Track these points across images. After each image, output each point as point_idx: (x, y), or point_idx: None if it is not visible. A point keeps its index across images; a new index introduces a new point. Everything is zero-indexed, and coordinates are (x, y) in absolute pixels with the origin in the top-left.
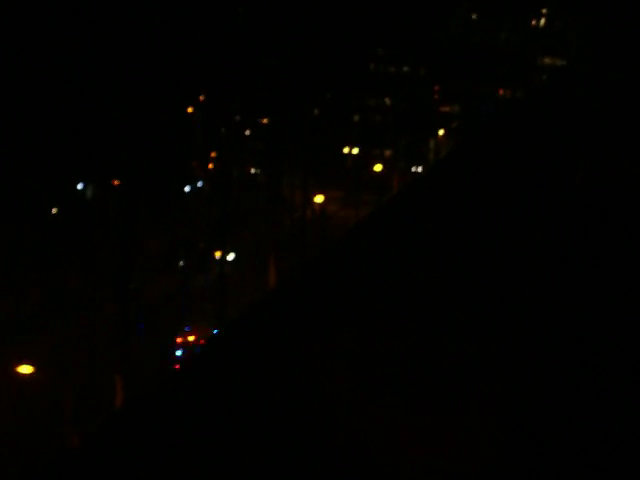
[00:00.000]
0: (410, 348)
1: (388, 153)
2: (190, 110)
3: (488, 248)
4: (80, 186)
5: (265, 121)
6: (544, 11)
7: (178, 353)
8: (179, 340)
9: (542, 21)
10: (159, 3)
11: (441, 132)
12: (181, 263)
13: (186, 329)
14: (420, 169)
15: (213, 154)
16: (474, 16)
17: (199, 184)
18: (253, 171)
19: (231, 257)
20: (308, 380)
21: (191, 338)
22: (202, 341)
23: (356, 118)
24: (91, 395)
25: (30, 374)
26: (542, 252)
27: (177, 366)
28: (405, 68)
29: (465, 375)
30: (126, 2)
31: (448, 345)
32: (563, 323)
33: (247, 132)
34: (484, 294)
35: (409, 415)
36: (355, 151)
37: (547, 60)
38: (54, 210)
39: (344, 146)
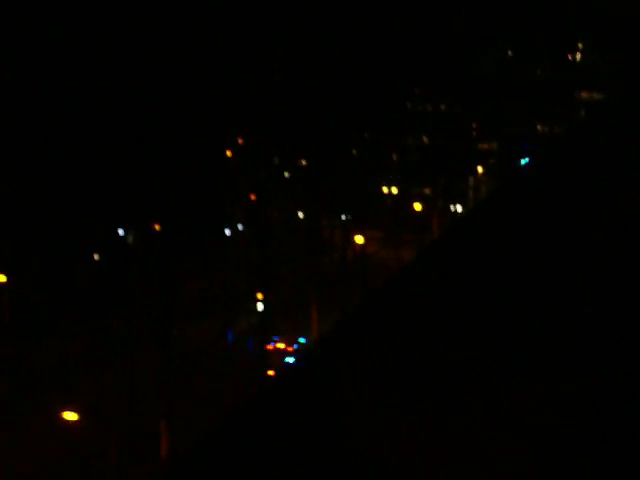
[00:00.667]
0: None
1: (427, 191)
2: (229, 154)
3: (532, 296)
4: (121, 232)
5: (304, 162)
6: (580, 45)
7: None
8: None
9: (578, 56)
10: (198, 47)
11: (480, 169)
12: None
13: (275, 338)
14: (459, 208)
15: (253, 197)
16: (510, 52)
17: (239, 227)
18: (292, 213)
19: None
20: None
21: (281, 346)
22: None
23: (394, 157)
24: (135, 441)
25: (75, 420)
26: (586, 299)
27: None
28: (442, 106)
29: (465, 382)
30: (164, 46)
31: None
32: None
33: (286, 174)
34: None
35: (416, 421)
36: (394, 190)
37: (584, 94)
38: (96, 256)
39: (383, 185)
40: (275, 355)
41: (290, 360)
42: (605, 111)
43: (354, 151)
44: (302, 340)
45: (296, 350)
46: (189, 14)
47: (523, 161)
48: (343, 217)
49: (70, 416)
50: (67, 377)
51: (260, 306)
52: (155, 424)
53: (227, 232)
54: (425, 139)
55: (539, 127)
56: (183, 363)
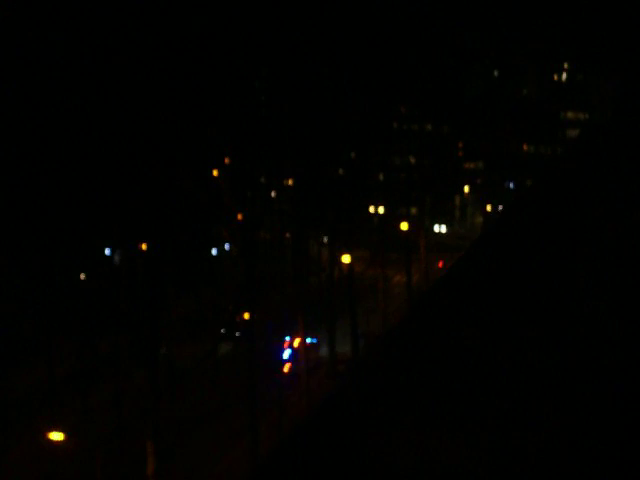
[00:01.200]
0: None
1: (414, 211)
2: (215, 173)
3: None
4: (107, 251)
5: (290, 182)
6: (565, 66)
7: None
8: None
9: (564, 76)
10: (185, 67)
11: (466, 189)
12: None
13: (286, 339)
14: (444, 228)
15: (239, 216)
16: (495, 72)
17: (226, 247)
18: (279, 232)
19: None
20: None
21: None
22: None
23: (381, 177)
24: (121, 462)
25: (61, 441)
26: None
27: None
28: (428, 126)
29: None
30: (151, 66)
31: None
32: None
33: (273, 194)
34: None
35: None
36: (381, 210)
37: (570, 114)
38: (82, 276)
39: (369, 205)
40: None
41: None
42: (597, 133)
43: (340, 171)
44: (309, 340)
45: (310, 345)
46: (176, 35)
47: (507, 183)
48: (328, 237)
49: (56, 436)
50: (53, 397)
51: (237, 333)
52: (141, 445)
53: (214, 252)
54: (411, 159)
55: (525, 147)
56: (170, 383)
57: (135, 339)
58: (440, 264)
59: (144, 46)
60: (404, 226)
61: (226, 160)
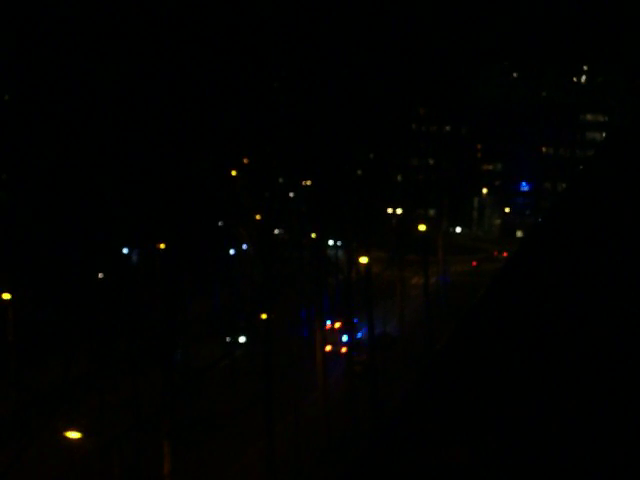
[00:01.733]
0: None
1: (432, 213)
2: (234, 173)
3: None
4: (126, 250)
5: (309, 183)
6: (585, 68)
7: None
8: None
9: (583, 78)
10: (204, 67)
11: (485, 190)
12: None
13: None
14: (459, 229)
15: (257, 217)
16: (515, 74)
17: (244, 247)
18: (298, 233)
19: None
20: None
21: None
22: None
23: (399, 178)
24: (138, 461)
25: (78, 439)
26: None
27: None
28: (447, 127)
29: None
30: (168, 66)
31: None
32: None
33: (291, 194)
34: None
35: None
36: (399, 211)
37: (589, 116)
38: (100, 275)
39: (388, 206)
40: (331, 333)
41: (344, 337)
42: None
43: (359, 172)
44: (355, 320)
45: (349, 328)
46: (195, 34)
47: (525, 185)
48: (346, 238)
49: (73, 435)
50: (71, 396)
51: (242, 338)
52: (158, 444)
53: (231, 252)
54: (430, 160)
55: (543, 149)
56: (187, 382)
57: (152, 338)
58: (474, 263)
59: (163, 46)
60: (422, 227)
61: (244, 160)
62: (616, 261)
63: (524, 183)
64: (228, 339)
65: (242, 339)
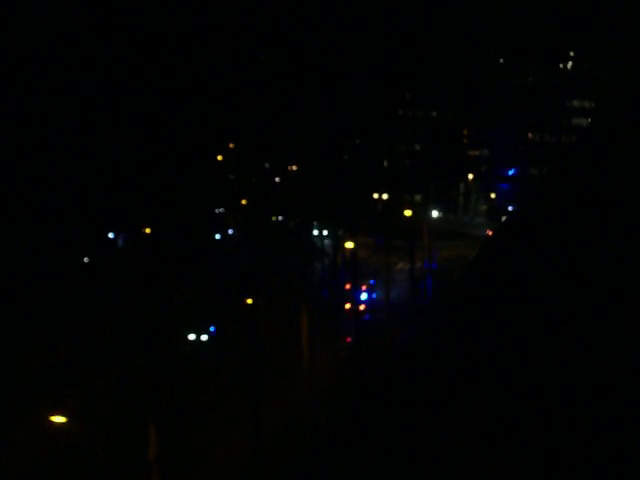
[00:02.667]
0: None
1: (418, 198)
2: (220, 158)
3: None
4: (111, 235)
5: (295, 168)
6: (572, 54)
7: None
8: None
9: (570, 64)
10: (190, 53)
11: (470, 176)
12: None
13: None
14: (448, 214)
15: (244, 202)
16: (501, 60)
17: (230, 232)
18: (284, 218)
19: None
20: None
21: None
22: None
23: (385, 163)
24: (124, 446)
25: (63, 424)
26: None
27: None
28: (434, 113)
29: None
30: (157, 54)
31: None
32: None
33: (277, 179)
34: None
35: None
36: (385, 197)
37: (575, 103)
38: (86, 259)
39: (374, 192)
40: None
41: (363, 295)
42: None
43: (345, 157)
44: (372, 282)
45: (368, 287)
46: (182, 23)
47: (511, 171)
48: (334, 222)
49: (58, 420)
50: (58, 381)
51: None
52: (144, 428)
53: (217, 236)
54: (416, 146)
55: (530, 135)
56: (174, 367)
57: (139, 323)
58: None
59: (149, 34)
60: (408, 213)
61: (231, 145)
62: (593, 252)
63: (512, 169)
64: (192, 337)
65: (204, 337)
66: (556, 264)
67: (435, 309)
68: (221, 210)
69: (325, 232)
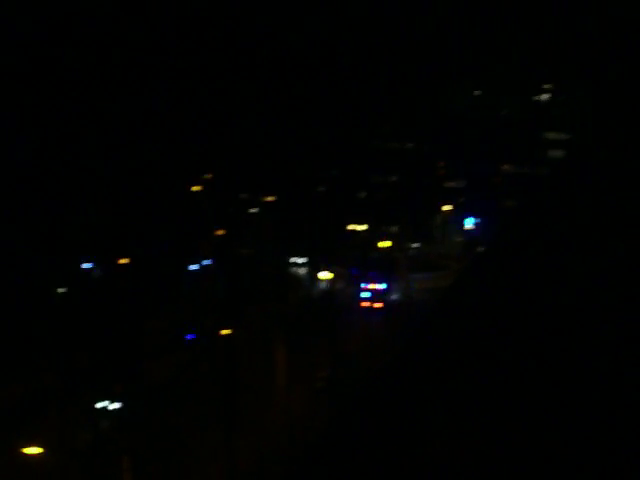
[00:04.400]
0: None
1: (394, 229)
2: (197, 189)
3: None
4: (87, 265)
5: (271, 199)
6: (547, 86)
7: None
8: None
9: (545, 96)
10: (167, 82)
11: (446, 208)
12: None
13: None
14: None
15: (220, 232)
16: (477, 92)
17: (206, 262)
18: (260, 249)
19: None
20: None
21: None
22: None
23: (362, 195)
24: (98, 476)
25: (38, 455)
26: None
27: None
28: (409, 145)
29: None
30: (133, 82)
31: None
32: None
33: (253, 210)
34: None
35: None
36: (361, 228)
37: (551, 135)
38: (61, 290)
39: (350, 223)
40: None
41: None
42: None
43: (321, 188)
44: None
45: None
46: (161, 50)
47: (490, 202)
48: (311, 253)
49: (34, 451)
50: (32, 412)
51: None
52: (119, 458)
53: (194, 267)
54: (392, 177)
55: (506, 167)
56: (148, 397)
57: (114, 353)
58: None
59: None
60: (385, 244)
61: (207, 176)
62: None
63: (471, 218)
64: (99, 405)
65: (115, 405)
66: (530, 292)
67: (412, 339)
68: (197, 240)
69: (301, 262)
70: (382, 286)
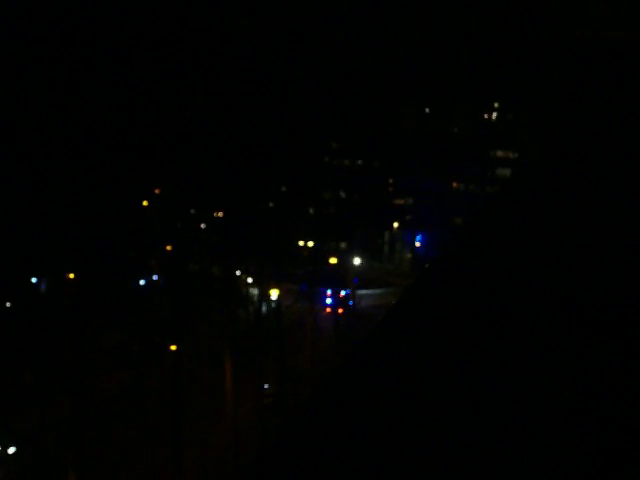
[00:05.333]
0: None
1: (343, 246)
2: (145, 203)
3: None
4: (34, 280)
5: (220, 214)
6: (496, 105)
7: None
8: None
9: (494, 114)
10: (117, 95)
11: (395, 224)
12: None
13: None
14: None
15: (168, 247)
16: (427, 110)
17: (154, 277)
18: (208, 264)
19: None
20: None
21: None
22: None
23: (311, 211)
24: None
25: None
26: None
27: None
28: (359, 161)
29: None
30: (84, 96)
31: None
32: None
33: (202, 225)
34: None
35: None
36: (310, 244)
37: (499, 153)
38: (7, 304)
39: (299, 239)
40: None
41: (328, 300)
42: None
43: (271, 204)
44: (343, 292)
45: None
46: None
47: (438, 220)
48: (259, 270)
49: None
50: None
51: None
52: (64, 474)
53: (141, 282)
54: (342, 193)
55: (454, 184)
56: (95, 414)
57: (60, 369)
58: None
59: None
60: (333, 260)
61: (156, 190)
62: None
63: (420, 235)
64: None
65: (11, 450)
66: (476, 311)
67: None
68: (145, 255)
69: (250, 278)
70: (345, 292)
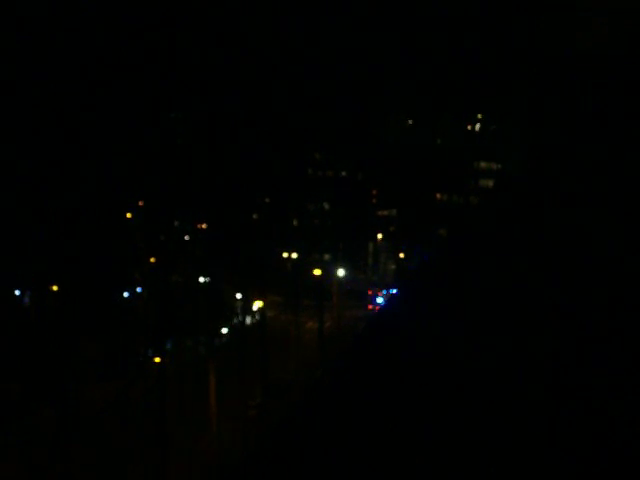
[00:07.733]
0: None
1: (327, 257)
2: (129, 215)
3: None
4: (17, 292)
5: (204, 226)
6: (479, 116)
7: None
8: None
9: (477, 126)
10: (101, 107)
11: (379, 236)
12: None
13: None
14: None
15: (152, 259)
16: (410, 121)
17: (138, 290)
18: (192, 276)
19: None
20: None
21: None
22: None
23: (295, 222)
24: None
25: None
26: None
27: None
28: (343, 173)
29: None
30: (66, 106)
31: None
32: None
33: (186, 237)
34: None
35: None
36: (294, 255)
37: (483, 164)
38: None
39: (283, 251)
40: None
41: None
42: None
43: (255, 215)
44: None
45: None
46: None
47: (422, 231)
48: (243, 281)
49: None
50: None
51: None
52: None
53: (125, 294)
54: (326, 205)
55: (438, 195)
56: (80, 425)
57: (44, 381)
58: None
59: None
60: (317, 272)
61: (140, 203)
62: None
63: (404, 247)
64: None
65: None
66: (457, 322)
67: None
68: (129, 268)
69: (234, 290)
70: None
